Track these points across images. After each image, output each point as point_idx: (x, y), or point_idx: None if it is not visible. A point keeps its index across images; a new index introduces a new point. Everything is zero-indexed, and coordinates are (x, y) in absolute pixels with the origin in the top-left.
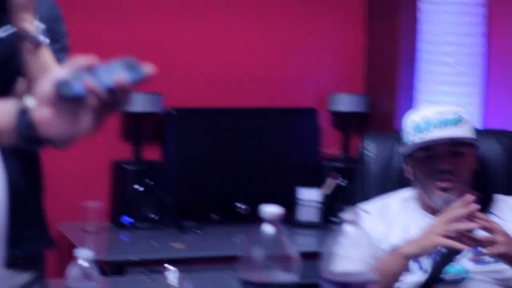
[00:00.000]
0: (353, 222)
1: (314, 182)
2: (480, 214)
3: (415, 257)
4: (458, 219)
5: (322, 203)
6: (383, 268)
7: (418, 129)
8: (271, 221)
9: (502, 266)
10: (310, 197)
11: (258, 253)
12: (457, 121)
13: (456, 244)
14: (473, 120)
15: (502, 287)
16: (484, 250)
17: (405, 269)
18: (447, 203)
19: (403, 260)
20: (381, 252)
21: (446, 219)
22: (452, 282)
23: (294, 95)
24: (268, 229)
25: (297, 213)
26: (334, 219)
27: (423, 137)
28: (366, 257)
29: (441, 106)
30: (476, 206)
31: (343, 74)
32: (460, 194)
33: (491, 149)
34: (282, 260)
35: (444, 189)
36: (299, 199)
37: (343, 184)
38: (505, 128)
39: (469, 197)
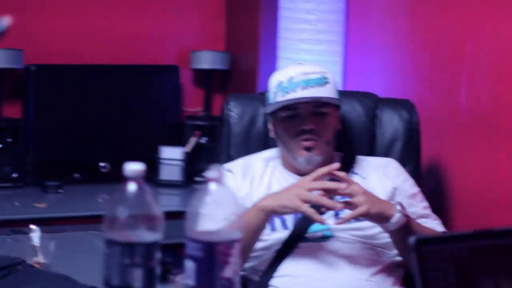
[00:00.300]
0: (217, 181)
1: (177, 140)
2: (342, 175)
3: (275, 213)
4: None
5: (184, 161)
6: (244, 223)
7: (282, 88)
8: (134, 179)
9: (364, 224)
10: (172, 156)
11: (121, 212)
12: (321, 82)
13: (315, 217)
14: (335, 80)
15: (363, 245)
16: (346, 212)
17: (265, 223)
18: (310, 162)
19: (262, 214)
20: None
21: (309, 186)
22: (314, 240)
23: (156, 53)
24: (131, 187)
25: (160, 172)
26: (197, 178)
27: (287, 97)
28: (230, 215)
29: (306, 66)
30: (343, 185)
31: (204, 31)
32: (323, 154)
33: (353, 110)
34: (146, 219)
35: (307, 149)
36: (162, 158)
37: (205, 142)
38: (365, 89)
39: (336, 165)
